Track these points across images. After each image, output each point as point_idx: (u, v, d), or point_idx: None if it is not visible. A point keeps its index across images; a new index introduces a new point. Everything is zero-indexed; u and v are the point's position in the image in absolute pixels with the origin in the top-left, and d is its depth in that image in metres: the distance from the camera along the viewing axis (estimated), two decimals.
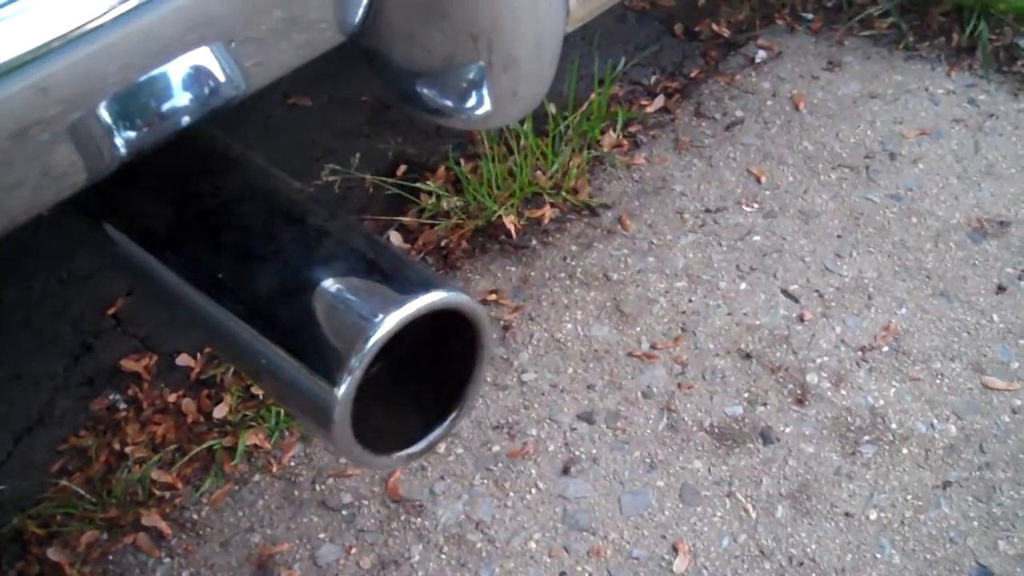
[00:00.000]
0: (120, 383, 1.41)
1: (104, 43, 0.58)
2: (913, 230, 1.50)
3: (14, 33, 0.56)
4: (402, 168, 1.62)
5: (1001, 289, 1.41)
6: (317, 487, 1.29)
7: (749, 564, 1.18)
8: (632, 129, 1.67)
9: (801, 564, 1.18)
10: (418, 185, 1.56)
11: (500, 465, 1.29)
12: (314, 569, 1.22)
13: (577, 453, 1.30)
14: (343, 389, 0.67)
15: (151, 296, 0.96)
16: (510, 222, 1.53)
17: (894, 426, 1.28)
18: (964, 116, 1.65)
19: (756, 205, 1.55)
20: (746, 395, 1.33)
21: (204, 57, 0.63)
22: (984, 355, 1.34)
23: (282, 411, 1.35)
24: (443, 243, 1.53)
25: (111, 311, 1.49)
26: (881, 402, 1.31)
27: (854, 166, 1.59)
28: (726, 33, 1.84)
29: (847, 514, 1.21)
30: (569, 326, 1.43)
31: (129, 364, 1.42)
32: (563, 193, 1.57)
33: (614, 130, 1.65)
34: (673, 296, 1.45)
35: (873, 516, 1.21)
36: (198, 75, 0.66)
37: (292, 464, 1.32)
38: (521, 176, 1.55)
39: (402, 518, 1.25)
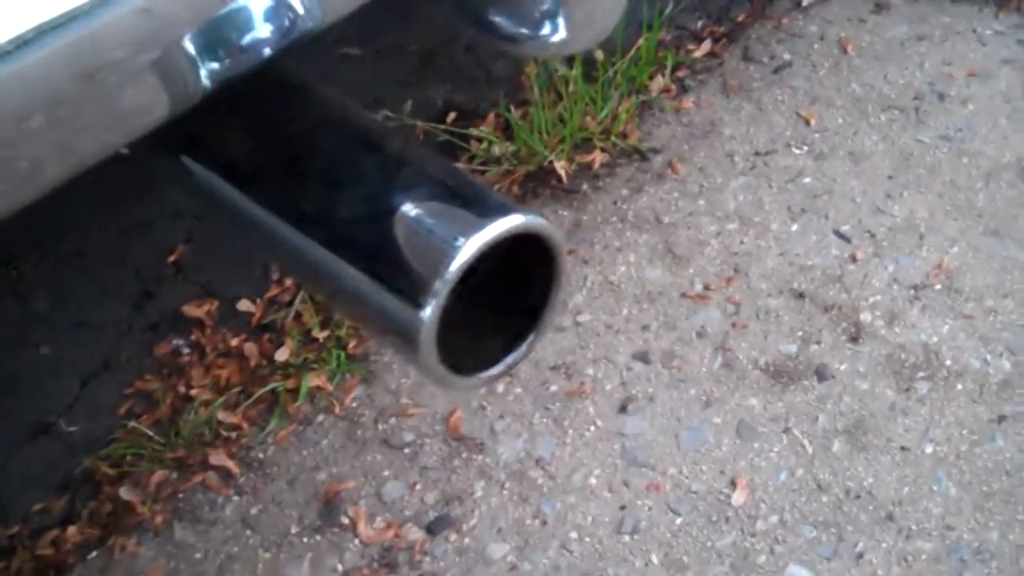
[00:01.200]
0: (183, 328, 1.44)
1: None
2: (964, 170, 1.50)
3: None
4: (452, 115, 1.63)
5: None
6: (379, 426, 1.32)
7: (807, 497, 1.20)
8: (680, 74, 1.68)
9: (858, 497, 1.20)
10: (469, 131, 1.58)
11: (558, 404, 1.31)
12: (380, 505, 1.25)
13: (633, 392, 1.32)
14: (428, 312, 0.69)
15: (230, 228, 0.98)
16: (561, 167, 1.54)
17: (948, 362, 1.30)
18: (1013, 57, 1.65)
19: (806, 147, 1.56)
20: (800, 334, 1.35)
21: None
22: None
23: (343, 354, 1.38)
24: (495, 188, 1.55)
25: (171, 259, 1.51)
26: (935, 339, 1.32)
27: (903, 108, 1.60)
28: None
29: (903, 448, 1.23)
30: (622, 268, 1.44)
31: (191, 310, 1.45)
32: (613, 138, 1.59)
33: (662, 75, 1.66)
34: (725, 238, 1.46)
35: (929, 450, 1.23)
36: (280, 6, 0.67)
37: (354, 405, 1.34)
38: (571, 121, 1.56)
39: (463, 455, 1.28)
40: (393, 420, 1.32)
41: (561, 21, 0.72)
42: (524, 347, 0.77)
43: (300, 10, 0.68)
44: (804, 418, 1.27)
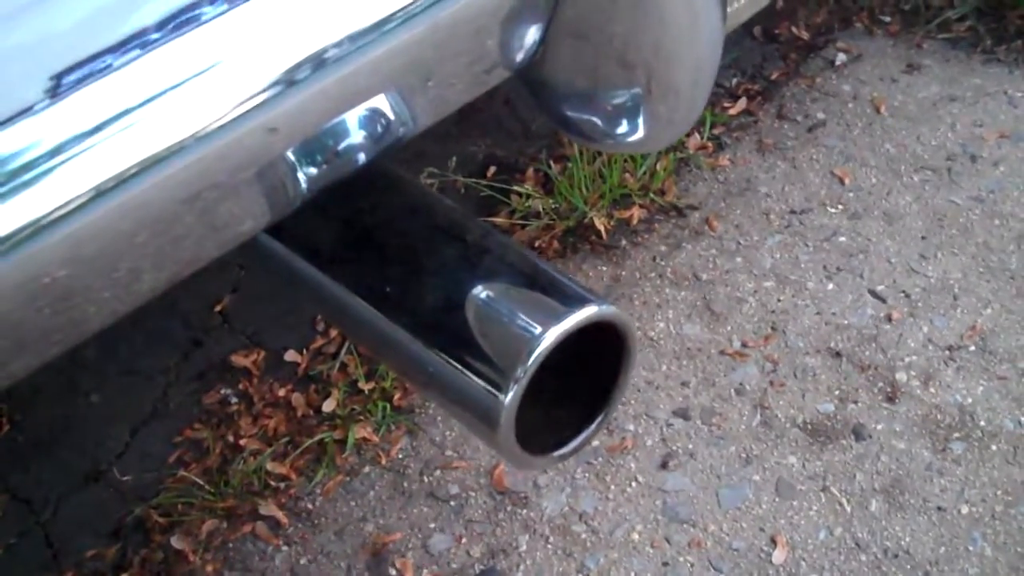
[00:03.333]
0: (230, 378, 1.47)
1: (313, 91, 0.63)
2: (996, 232, 1.53)
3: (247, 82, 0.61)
4: (492, 169, 1.67)
5: None
6: (425, 478, 1.35)
7: (846, 556, 1.23)
8: (716, 131, 1.72)
9: (896, 556, 1.22)
10: (510, 187, 1.62)
11: (600, 459, 1.34)
12: (427, 557, 1.27)
13: (674, 448, 1.35)
14: (509, 397, 0.72)
15: (307, 301, 1.01)
16: (600, 223, 1.58)
17: (983, 423, 1.32)
18: None
19: (841, 206, 1.59)
20: (837, 393, 1.38)
21: (385, 101, 0.69)
22: None
23: (388, 405, 1.41)
24: (535, 243, 1.58)
25: (218, 308, 1.55)
26: (969, 400, 1.35)
27: (936, 168, 1.63)
28: (805, 36, 1.88)
29: (939, 508, 1.26)
30: (661, 324, 1.47)
31: (238, 360, 1.48)
32: (651, 194, 1.62)
33: (699, 132, 1.69)
34: (762, 295, 1.49)
35: (965, 510, 1.25)
36: (378, 118, 0.71)
37: (400, 456, 1.37)
38: (610, 178, 1.60)
39: (508, 509, 1.31)
40: (438, 472, 1.35)
41: (641, 121, 0.75)
42: (594, 426, 0.81)
43: (397, 119, 0.72)
44: (842, 477, 1.30)
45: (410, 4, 0.64)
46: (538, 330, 0.72)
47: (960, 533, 1.23)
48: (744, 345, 1.44)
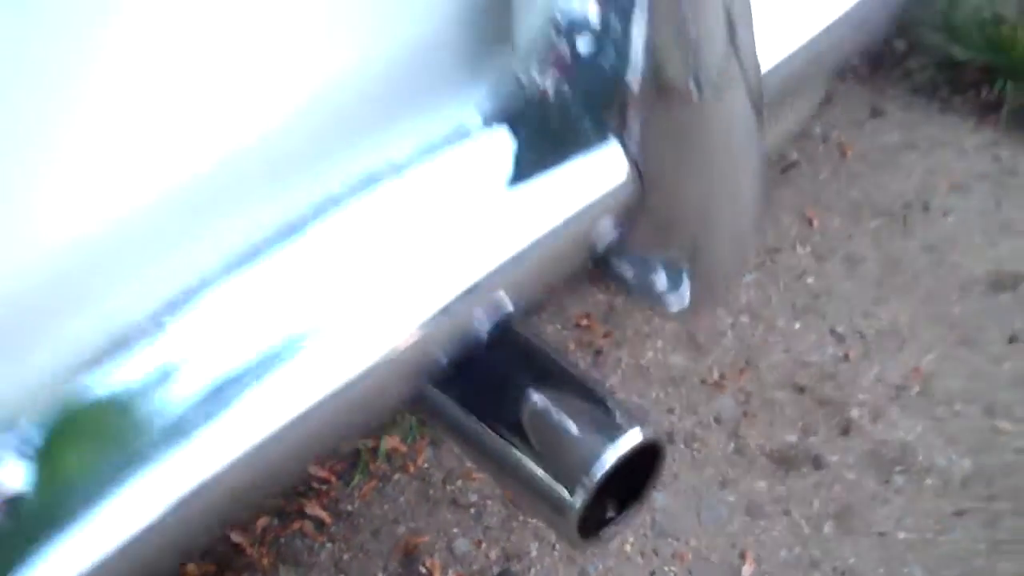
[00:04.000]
0: None
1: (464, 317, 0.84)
2: (942, 280, 1.77)
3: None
4: None
5: (1013, 340, 1.69)
6: (447, 487, 1.58)
7: (803, 572, 1.48)
8: None
9: (843, 573, 1.48)
10: None
11: None
12: (451, 558, 1.51)
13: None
14: (578, 503, 0.94)
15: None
16: None
17: (920, 459, 1.58)
18: (988, 172, 1.91)
19: (809, 247, 1.82)
20: (800, 425, 1.62)
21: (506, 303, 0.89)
22: (996, 399, 1.63)
23: (414, 419, 1.63)
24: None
25: None
26: (911, 437, 1.60)
27: (893, 215, 1.86)
28: None
29: (881, 533, 1.51)
30: (650, 353, 1.70)
31: None
32: None
33: None
34: (739, 330, 1.73)
35: (902, 536, 1.51)
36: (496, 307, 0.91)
37: (425, 466, 1.60)
38: None
39: (520, 519, 1.54)
40: (459, 482, 1.58)
41: (685, 291, 0.97)
42: (632, 511, 1.03)
43: (512, 306, 0.91)
44: (802, 501, 1.55)
45: (535, 242, 0.84)
46: (607, 448, 0.95)
47: (898, 556, 1.49)
48: (722, 376, 1.67)
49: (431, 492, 1.57)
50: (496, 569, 1.50)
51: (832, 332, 1.72)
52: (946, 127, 1.98)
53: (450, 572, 1.50)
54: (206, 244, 0.80)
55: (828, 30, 1.01)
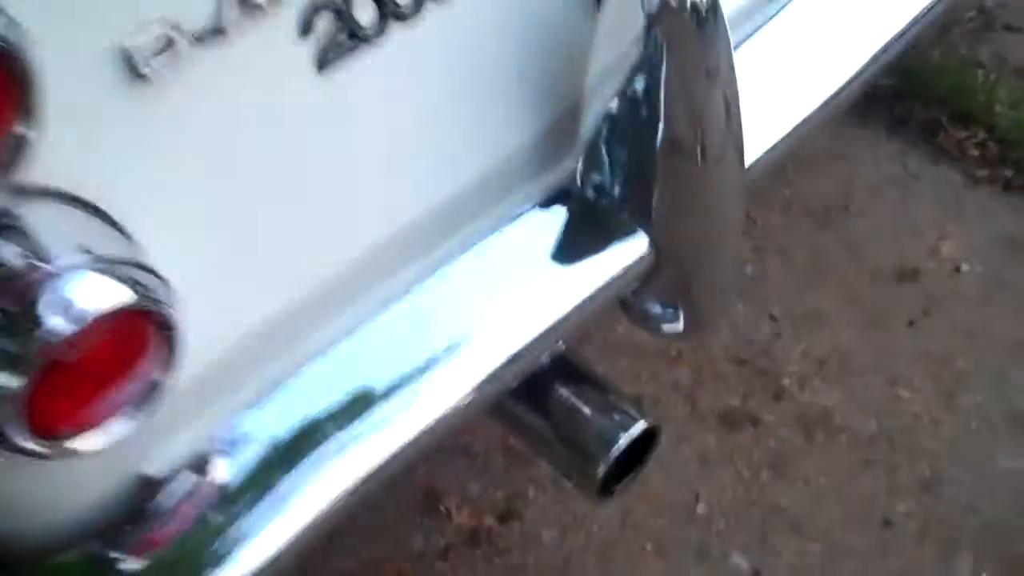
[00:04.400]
0: None
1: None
2: (856, 271, 2.17)
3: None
4: None
5: (911, 323, 2.10)
6: (459, 439, 1.94)
7: (744, 510, 1.88)
8: None
9: (778, 512, 1.88)
10: None
11: None
12: (465, 499, 1.88)
13: None
14: (600, 473, 1.32)
15: None
16: None
17: (837, 420, 1.98)
18: (898, 177, 2.30)
19: (751, 242, 2.20)
20: (741, 391, 2.01)
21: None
22: (898, 372, 2.04)
23: None
24: None
25: None
26: (830, 403, 2.00)
27: (818, 214, 2.25)
28: None
29: (806, 480, 1.92)
30: (621, 329, 2.08)
31: None
32: None
33: None
34: None
35: (822, 481, 1.92)
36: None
37: None
38: None
39: (519, 466, 1.92)
40: (467, 436, 1.95)
41: (679, 321, 1.33)
42: (635, 474, 1.40)
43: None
44: (743, 454, 1.94)
45: (583, 302, 1.20)
46: (621, 435, 1.32)
47: (818, 497, 1.90)
48: (679, 352, 2.06)
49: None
50: (501, 508, 1.87)
51: (768, 315, 2.11)
52: (863, 138, 2.36)
53: (465, 509, 1.87)
54: (358, 300, 1.15)
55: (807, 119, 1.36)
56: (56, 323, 0.85)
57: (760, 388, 2.00)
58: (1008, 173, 2.25)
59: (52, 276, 0.86)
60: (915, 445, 1.93)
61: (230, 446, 1.12)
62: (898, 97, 2.36)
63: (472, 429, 1.94)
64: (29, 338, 0.85)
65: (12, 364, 0.86)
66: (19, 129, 0.82)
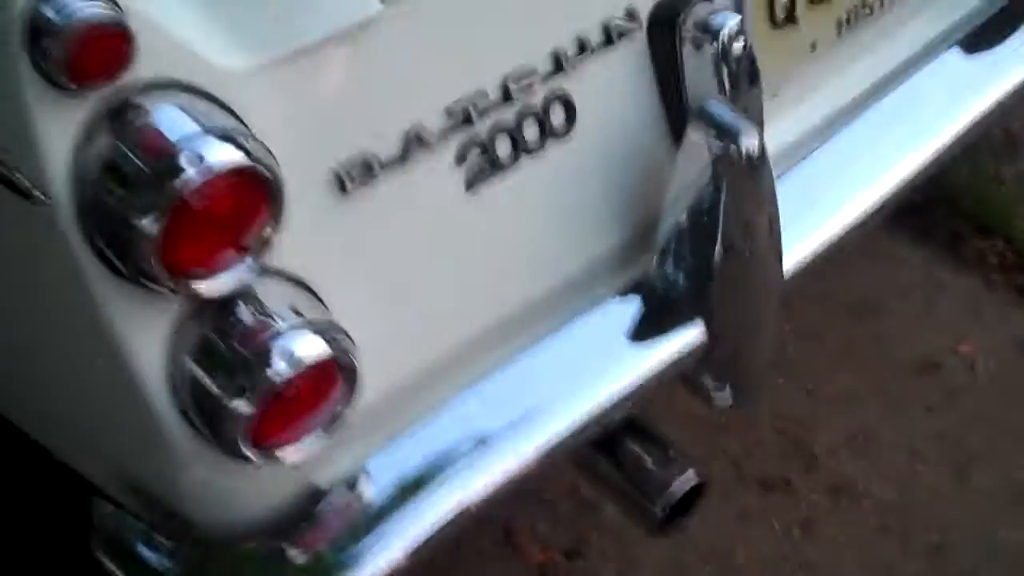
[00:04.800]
0: None
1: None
2: (883, 361, 2.48)
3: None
4: None
5: (929, 409, 2.40)
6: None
7: (778, 563, 2.19)
8: None
9: (805, 566, 2.19)
10: None
11: None
12: (534, 535, 2.20)
13: None
14: (659, 513, 1.64)
15: None
16: None
17: (860, 487, 2.28)
18: (922, 283, 2.62)
19: (789, 327, 2.52)
20: (779, 458, 2.32)
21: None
22: (916, 449, 2.34)
23: None
24: None
25: None
26: (855, 473, 2.31)
27: (851, 307, 2.57)
28: None
29: (830, 537, 2.22)
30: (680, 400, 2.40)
31: None
32: None
33: None
34: None
35: (845, 541, 2.22)
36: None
37: None
38: None
39: (583, 512, 2.24)
40: (541, 483, 2.28)
41: (728, 394, 1.66)
42: (688, 519, 1.71)
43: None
44: (779, 513, 2.25)
45: (648, 379, 1.53)
46: (674, 485, 1.64)
47: (841, 555, 2.20)
48: (727, 422, 2.37)
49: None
50: (567, 545, 2.20)
51: (805, 390, 2.42)
52: (894, 245, 2.68)
53: (536, 545, 2.19)
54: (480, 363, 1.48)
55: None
56: (280, 367, 1.19)
57: (795, 456, 2.31)
58: None
59: (278, 333, 1.21)
60: (928, 514, 2.23)
61: (374, 470, 1.45)
62: (926, 209, 2.67)
63: (546, 477, 2.27)
64: (260, 379, 1.19)
65: (247, 396, 1.20)
66: (268, 230, 1.17)
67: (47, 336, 1.34)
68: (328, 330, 1.22)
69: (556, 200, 1.43)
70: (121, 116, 1.12)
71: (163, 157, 1.09)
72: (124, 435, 1.34)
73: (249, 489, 1.35)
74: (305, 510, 1.40)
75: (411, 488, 1.43)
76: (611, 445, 1.66)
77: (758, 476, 2.28)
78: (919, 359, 2.44)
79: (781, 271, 1.48)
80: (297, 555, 1.41)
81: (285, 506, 1.39)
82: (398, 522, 1.42)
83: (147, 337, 1.20)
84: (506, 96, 1.34)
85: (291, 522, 1.41)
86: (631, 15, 1.42)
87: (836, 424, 2.35)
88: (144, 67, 1.10)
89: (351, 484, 1.43)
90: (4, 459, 1.69)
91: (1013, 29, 1.88)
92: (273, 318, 1.21)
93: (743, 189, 1.39)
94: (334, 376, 1.24)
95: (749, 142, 1.34)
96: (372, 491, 1.42)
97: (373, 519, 1.42)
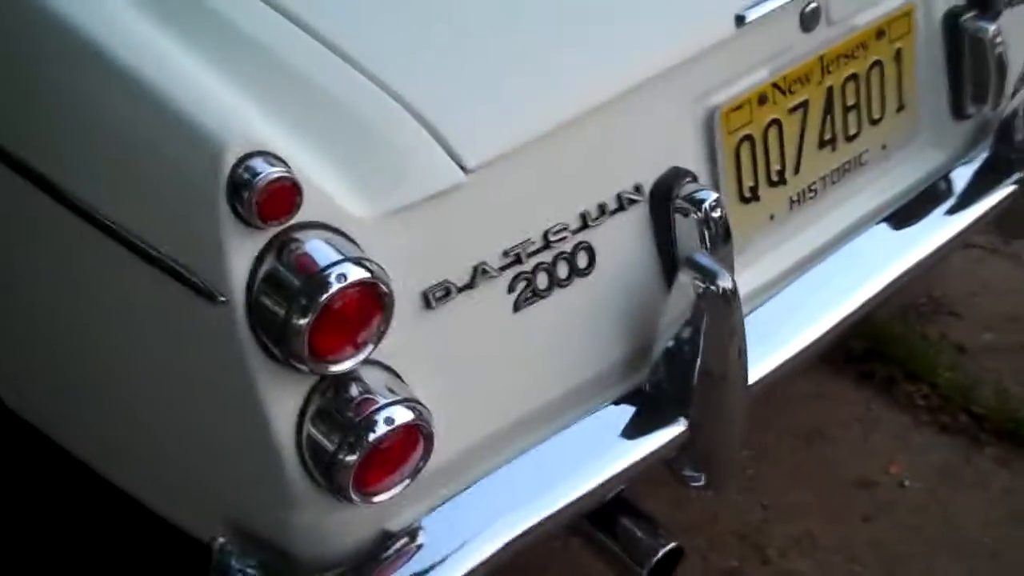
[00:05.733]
0: None
1: None
2: (827, 477, 2.95)
3: None
4: None
5: (866, 519, 2.86)
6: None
7: None
8: None
9: None
10: None
11: None
12: None
13: None
14: (645, 572, 2.08)
15: None
16: None
17: None
18: (862, 416, 3.11)
19: (751, 453, 2.99)
20: (739, 556, 2.77)
21: None
22: (854, 553, 2.79)
23: None
24: None
25: None
26: (802, 569, 2.75)
27: (800, 436, 3.05)
28: None
29: None
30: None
31: None
32: None
33: None
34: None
35: None
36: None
37: None
38: None
39: None
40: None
41: (702, 477, 2.12)
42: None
43: None
44: None
45: (646, 456, 2.00)
46: (659, 550, 2.09)
47: None
48: (700, 527, 2.82)
49: None
50: None
51: (760, 504, 2.88)
52: (839, 385, 3.17)
53: None
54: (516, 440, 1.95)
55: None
56: (380, 429, 1.65)
57: (752, 556, 2.75)
58: (945, 419, 3.05)
59: (379, 405, 1.67)
60: None
61: (428, 523, 1.88)
62: (866, 358, 3.17)
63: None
64: (364, 439, 1.64)
65: (354, 452, 1.65)
66: (381, 329, 1.65)
67: (195, 409, 1.78)
68: (414, 404, 1.68)
69: (579, 321, 1.91)
70: (286, 245, 1.59)
71: (315, 274, 1.57)
72: (251, 487, 1.76)
73: (341, 530, 1.79)
74: (378, 550, 1.83)
75: (457, 538, 1.87)
76: (605, 516, 2.10)
77: (722, 569, 2.72)
78: (857, 477, 2.90)
79: (747, 382, 1.97)
80: None
81: (365, 545, 1.82)
82: (446, 565, 1.85)
83: (286, 406, 1.65)
84: (546, 243, 1.83)
85: (367, 558, 1.83)
86: (638, 189, 1.92)
87: (786, 530, 2.79)
88: (302, 212, 1.59)
89: (413, 532, 1.86)
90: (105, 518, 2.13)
91: (929, 210, 2.41)
92: (374, 394, 1.67)
93: (719, 318, 1.88)
94: (417, 438, 1.70)
95: (725, 283, 1.83)
96: (427, 539, 1.85)
97: (427, 561, 1.85)
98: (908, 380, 3.11)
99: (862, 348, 3.16)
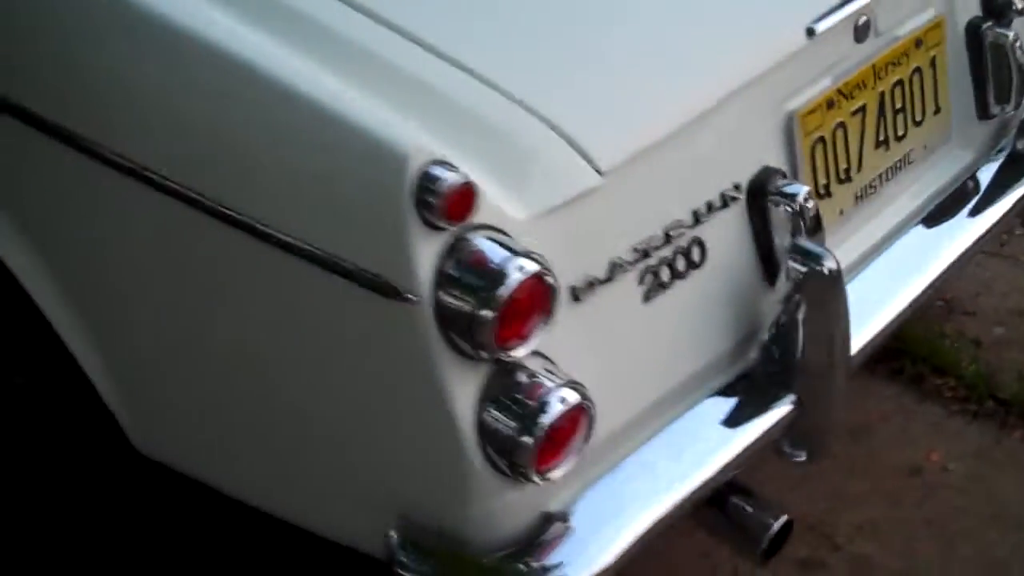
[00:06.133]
0: None
1: None
2: (878, 467, 3.15)
3: None
4: None
5: (919, 502, 3.07)
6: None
7: None
8: None
9: None
10: None
11: None
12: None
13: None
14: (763, 546, 2.25)
15: None
16: None
17: (876, 562, 2.92)
18: (896, 411, 3.32)
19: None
20: (812, 544, 2.95)
21: None
22: (913, 532, 2.99)
23: None
24: None
25: None
26: (869, 551, 2.94)
27: (847, 432, 3.25)
28: None
29: None
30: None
31: None
32: None
33: None
34: None
35: None
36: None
37: None
38: None
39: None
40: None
41: (803, 453, 2.31)
42: (778, 552, 2.32)
43: None
44: None
45: (760, 436, 2.19)
46: (774, 524, 2.26)
47: None
48: None
49: None
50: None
51: (825, 497, 3.07)
52: (874, 384, 3.38)
53: None
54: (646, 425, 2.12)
55: None
56: (556, 410, 1.82)
57: (823, 544, 2.93)
58: (973, 407, 3.28)
59: (549, 389, 1.84)
60: None
61: (588, 502, 2.03)
62: (893, 357, 3.40)
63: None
64: (540, 422, 1.81)
65: (532, 433, 1.81)
66: (548, 317, 1.82)
67: (374, 412, 1.92)
68: (579, 386, 1.85)
69: (696, 309, 2.10)
70: (459, 245, 1.76)
71: (497, 269, 1.74)
72: (430, 479, 1.90)
73: (510, 513, 1.93)
74: (540, 531, 1.97)
75: (610, 516, 2.02)
76: (722, 498, 2.26)
77: (798, 558, 2.89)
78: (906, 466, 3.11)
79: (849, 355, 2.17)
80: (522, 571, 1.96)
81: (530, 527, 1.96)
82: (599, 543, 2.00)
83: (467, 395, 1.80)
84: (667, 239, 2.03)
85: (524, 542, 1.97)
86: (737, 187, 2.13)
87: (850, 518, 2.98)
88: (476, 214, 1.77)
89: (568, 513, 2.00)
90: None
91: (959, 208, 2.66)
92: (543, 378, 1.84)
93: (826, 298, 2.09)
94: (580, 418, 1.86)
95: (831, 264, 2.05)
96: (583, 519, 2.00)
97: (585, 538, 1.99)
98: (935, 374, 3.34)
99: (889, 347, 3.37)
